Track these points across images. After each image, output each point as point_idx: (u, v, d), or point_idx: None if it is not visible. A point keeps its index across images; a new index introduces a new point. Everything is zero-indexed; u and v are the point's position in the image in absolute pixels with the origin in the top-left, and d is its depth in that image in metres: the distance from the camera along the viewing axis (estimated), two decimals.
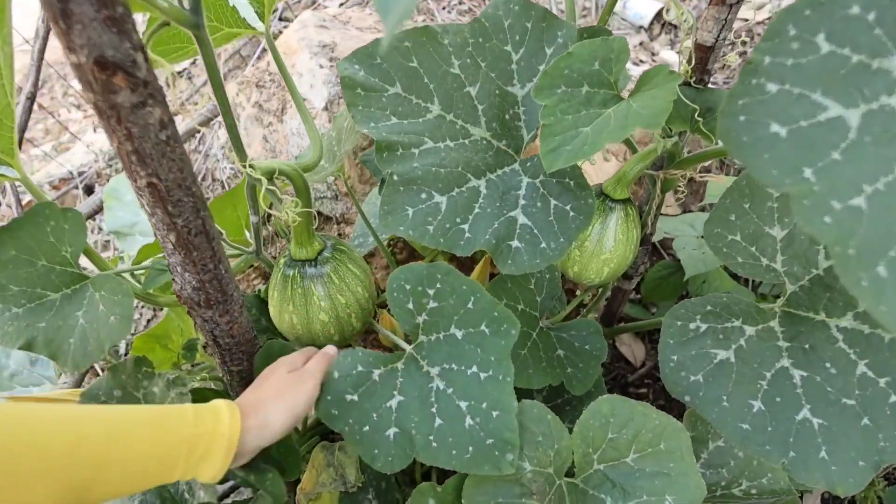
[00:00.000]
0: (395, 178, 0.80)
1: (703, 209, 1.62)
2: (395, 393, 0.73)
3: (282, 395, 0.69)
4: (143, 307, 1.79)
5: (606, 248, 0.89)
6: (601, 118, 0.70)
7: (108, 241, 2.11)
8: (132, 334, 1.26)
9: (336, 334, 0.84)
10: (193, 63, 2.57)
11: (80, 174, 2.28)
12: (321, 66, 1.38)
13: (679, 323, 0.75)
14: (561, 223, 0.77)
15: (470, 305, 0.74)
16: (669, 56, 1.96)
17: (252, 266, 1.48)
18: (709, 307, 0.75)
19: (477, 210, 0.80)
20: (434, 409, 0.70)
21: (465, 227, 0.78)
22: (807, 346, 0.73)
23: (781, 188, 0.41)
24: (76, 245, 0.78)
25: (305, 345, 0.85)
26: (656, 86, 0.69)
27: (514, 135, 0.89)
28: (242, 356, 0.81)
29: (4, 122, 0.73)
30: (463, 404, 0.70)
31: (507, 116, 0.90)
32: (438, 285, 0.75)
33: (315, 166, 0.82)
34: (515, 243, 0.77)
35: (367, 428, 0.71)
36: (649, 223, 0.94)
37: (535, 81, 0.84)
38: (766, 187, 0.76)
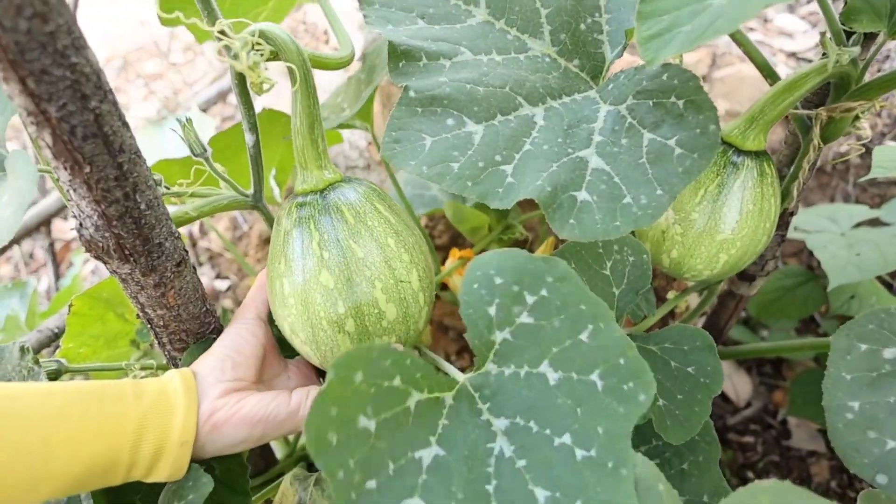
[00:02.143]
0: (413, 94, 0.55)
1: (848, 195, 1.25)
2: (433, 440, 0.42)
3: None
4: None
5: (727, 224, 0.59)
6: None
7: None
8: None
9: (350, 317, 0.51)
10: None
11: None
12: (358, 9, 1.17)
13: (864, 347, 0.45)
14: (659, 166, 0.48)
15: (584, 336, 0.43)
16: (787, 21, 1.59)
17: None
18: None
19: (528, 147, 0.53)
20: (490, 488, 0.40)
21: (508, 168, 0.52)
22: None
23: None
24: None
25: (305, 341, 0.53)
26: None
27: (592, 52, 0.62)
28: (186, 338, 0.58)
29: None
30: (540, 493, 0.39)
31: (581, 27, 0.62)
32: (545, 292, 0.44)
33: (342, 63, 0.59)
34: (583, 195, 0.49)
35: (372, 483, 0.39)
36: (793, 192, 0.62)
37: None
38: None
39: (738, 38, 0.57)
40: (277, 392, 0.53)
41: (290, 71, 0.52)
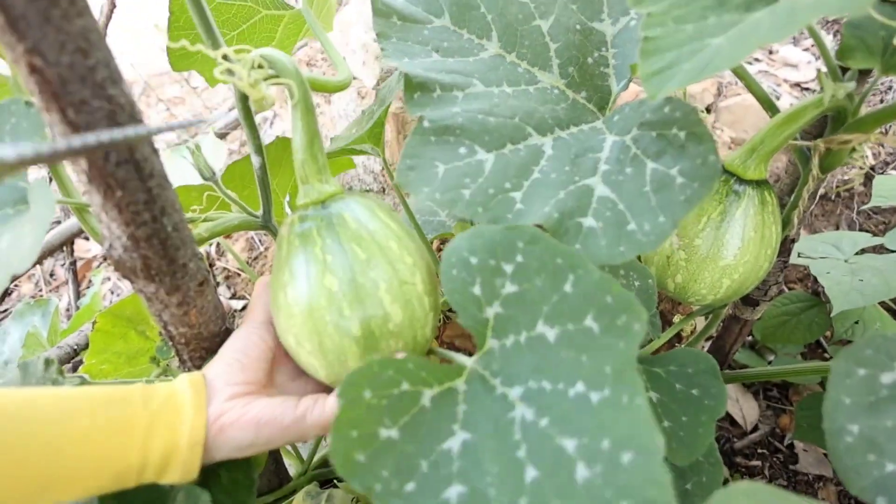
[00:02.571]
0: (427, 124, 0.58)
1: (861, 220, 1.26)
2: (456, 428, 0.44)
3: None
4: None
5: (729, 250, 0.61)
6: (745, 24, 0.44)
7: None
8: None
9: (356, 319, 0.51)
10: None
11: None
12: (375, 41, 1.22)
13: (862, 371, 0.46)
14: (662, 195, 0.50)
15: (567, 288, 0.45)
16: (791, 53, 1.62)
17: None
18: None
19: (536, 175, 0.56)
20: (521, 454, 0.41)
21: (517, 195, 0.54)
22: None
23: None
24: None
25: (311, 351, 0.53)
26: None
27: (598, 85, 0.65)
28: (206, 356, 0.60)
29: None
30: (569, 443, 0.40)
31: (589, 60, 0.65)
32: (520, 258, 0.47)
33: (341, 86, 0.62)
34: (589, 221, 0.51)
35: (411, 486, 0.41)
36: (794, 220, 0.64)
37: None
38: None
39: (739, 73, 0.60)
40: (285, 398, 0.53)
41: (289, 90, 0.54)
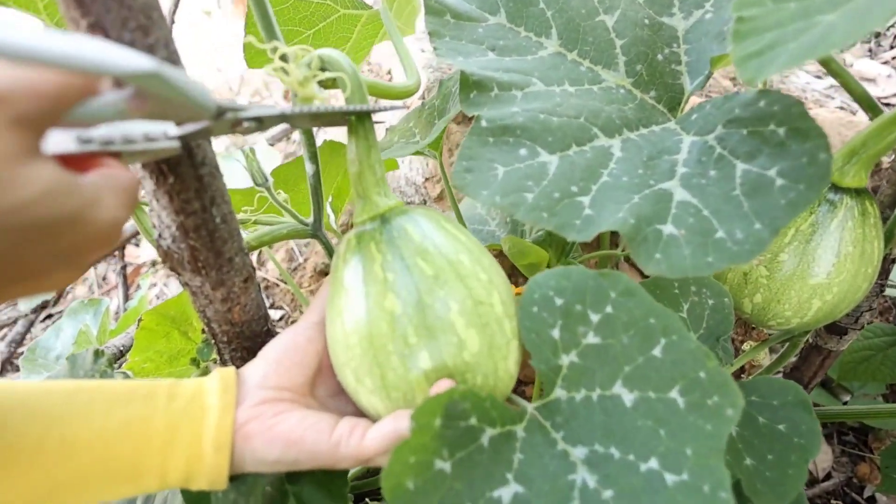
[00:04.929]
0: (485, 124, 0.54)
1: None
2: (510, 477, 0.39)
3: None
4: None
5: (821, 267, 0.54)
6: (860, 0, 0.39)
7: None
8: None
9: (424, 348, 0.43)
10: None
11: None
12: (423, 51, 1.22)
13: None
14: (756, 199, 0.45)
15: (656, 352, 0.41)
16: (868, 67, 1.53)
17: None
18: None
19: (605, 178, 0.51)
20: None
21: (585, 199, 0.49)
22: None
23: None
24: None
25: (373, 389, 0.45)
26: None
27: (669, 84, 0.60)
28: (247, 355, 0.58)
29: None
30: None
31: (658, 57, 0.61)
32: (609, 309, 0.43)
33: (407, 92, 0.59)
34: (669, 228, 0.46)
35: None
36: None
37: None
38: None
39: (835, 69, 0.54)
40: (322, 416, 0.46)
41: (344, 93, 0.50)
